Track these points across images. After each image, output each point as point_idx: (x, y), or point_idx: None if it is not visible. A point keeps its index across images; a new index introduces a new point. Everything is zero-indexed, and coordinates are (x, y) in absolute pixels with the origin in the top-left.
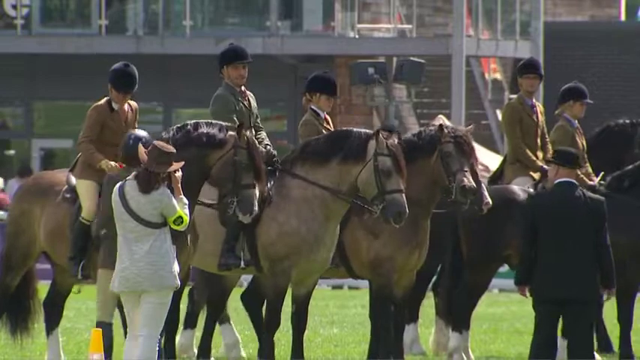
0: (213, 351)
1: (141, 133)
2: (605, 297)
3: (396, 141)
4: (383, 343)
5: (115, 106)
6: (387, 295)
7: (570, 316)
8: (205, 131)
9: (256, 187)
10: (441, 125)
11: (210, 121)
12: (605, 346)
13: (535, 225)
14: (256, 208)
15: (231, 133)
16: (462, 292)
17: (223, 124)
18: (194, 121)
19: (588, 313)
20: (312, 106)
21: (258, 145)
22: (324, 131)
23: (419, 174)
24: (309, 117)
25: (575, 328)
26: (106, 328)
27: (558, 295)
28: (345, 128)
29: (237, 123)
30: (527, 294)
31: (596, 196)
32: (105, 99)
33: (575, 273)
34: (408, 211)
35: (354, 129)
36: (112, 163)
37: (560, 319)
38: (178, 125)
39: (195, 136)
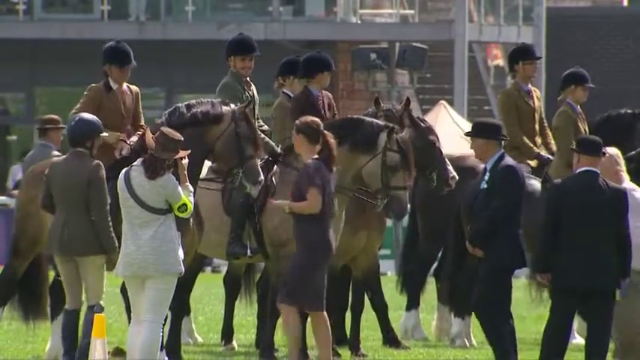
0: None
1: (87, 116)
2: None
3: (407, 136)
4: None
5: (113, 85)
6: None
7: (591, 305)
8: (199, 110)
9: (256, 157)
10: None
11: (200, 100)
12: None
13: (558, 213)
14: (262, 177)
15: (225, 107)
16: (465, 278)
17: (215, 100)
18: (185, 102)
19: (609, 301)
20: (285, 90)
21: (251, 117)
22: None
23: None
24: (283, 100)
25: (596, 316)
26: (67, 315)
27: (581, 284)
28: (357, 116)
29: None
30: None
31: (618, 185)
32: (102, 81)
33: (597, 263)
34: (409, 208)
35: (366, 118)
36: (115, 133)
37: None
38: (170, 109)
39: (189, 116)
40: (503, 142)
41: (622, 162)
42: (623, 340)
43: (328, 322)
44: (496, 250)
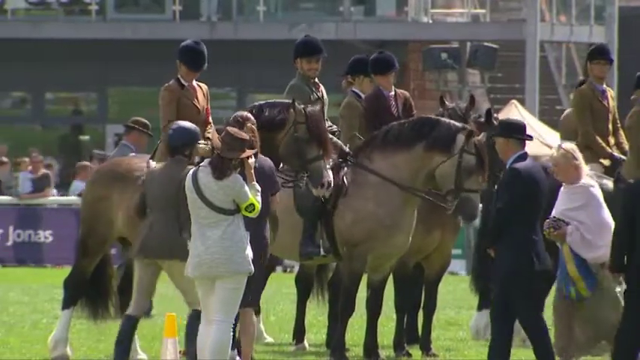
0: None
1: (185, 124)
2: None
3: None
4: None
5: (184, 83)
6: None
7: None
8: (267, 114)
9: (324, 159)
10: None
11: (272, 101)
12: None
13: (632, 213)
14: (328, 178)
15: (292, 110)
16: None
17: (285, 101)
18: (257, 103)
19: None
20: (354, 89)
21: (318, 118)
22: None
23: None
24: (352, 99)
25: None
26: (127, 321)
27: None
28: (432, 116)
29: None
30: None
31: None
32: (173, 79)
33: None
34: (479, 211)
35: (442, 118)
36: (202, 143)
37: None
38: (240, 111)
39: (258, 120)
40: (526, 142)
41: (579, 155)
42: (580, 336)
43: (255, 319)
44: (503, 252)
